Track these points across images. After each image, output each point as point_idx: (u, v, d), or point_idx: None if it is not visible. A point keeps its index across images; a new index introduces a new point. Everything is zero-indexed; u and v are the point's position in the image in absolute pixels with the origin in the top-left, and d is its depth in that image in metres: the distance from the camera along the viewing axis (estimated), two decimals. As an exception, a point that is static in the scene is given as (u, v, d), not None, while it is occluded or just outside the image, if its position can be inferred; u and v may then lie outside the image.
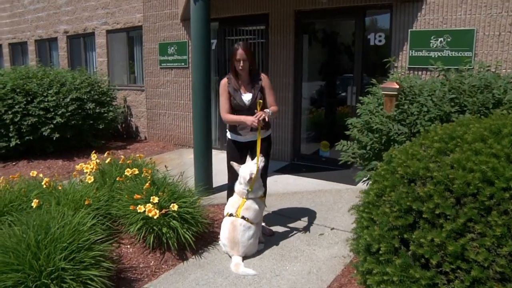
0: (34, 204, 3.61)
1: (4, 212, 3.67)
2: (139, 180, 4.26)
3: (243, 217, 3.75)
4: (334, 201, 5.21)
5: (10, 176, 4.26)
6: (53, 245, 3.06)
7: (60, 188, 4.11)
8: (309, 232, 4.36)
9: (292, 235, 4.26)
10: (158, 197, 3.73)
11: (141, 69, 9.43)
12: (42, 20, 12.03)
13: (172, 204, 3.71)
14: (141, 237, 3.85)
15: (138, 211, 3.68)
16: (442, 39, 5.27)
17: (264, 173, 4.07)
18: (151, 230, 3.83)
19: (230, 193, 4.10)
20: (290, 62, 6.72)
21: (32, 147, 7.83)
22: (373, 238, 2.38)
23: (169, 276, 3.61)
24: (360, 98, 4.27)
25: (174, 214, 3.76)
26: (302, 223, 4.59)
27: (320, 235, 4.28)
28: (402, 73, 5.11)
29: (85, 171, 4.55)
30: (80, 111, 7.83)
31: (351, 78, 6.35)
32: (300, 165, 6.89)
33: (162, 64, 8.56)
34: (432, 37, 5.33)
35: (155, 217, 3.60)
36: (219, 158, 6.08)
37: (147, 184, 3.90)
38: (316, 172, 6.43)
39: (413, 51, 5.48)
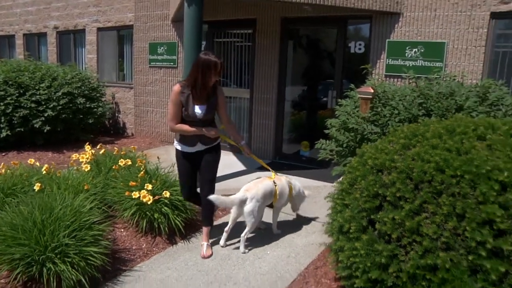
0: (36, 187, 3.89)
1: (8, 194, 3.95)
2: (133, 169, 4.58)
3: (274, 182, 4.20)
4: (313, 196, 5.58)
5: (12, 162, 4.52)
6: (57, 224, 3.36)
7: (58, 175, 4.41)
8: (289, 222, 4.72)
9: (273, 225, 4.62)
10: (152, 185, 4.06)
11: (130, 67, 9.70)
12: (32, 14, 12.17)
13: (164, 191, 4.04)
14: (135, 221, 4.17)
15: (133, 197, 4.00)
16: (416, 49, 5.72)
17: (210, 180, 4.04)
18: (144, 215, 4.14)
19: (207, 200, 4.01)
20: (275, 66, 7.10)
21: (22, 139, 8.03)
22: (345, 220, 2.76)
23: (160, 258, 3.93)
24: (339, 100, 4.67)
25: (166, 201, 4.08)
26: (282, 214, 4.93)
27: (299, 225, 4.66)
28: (379, 79, 5.55)
29: (80, 160, 4.85)
30: (71, 105, 8.07)
31: (332, 83, 6.77)
32: (281, 163, 7.27)
33: (152, 63, 8.85)
34: (407, 47, 5.78)
35: (148, 203, 3.93)
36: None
37: (142, 172, 4.22)
38: (297, 170, 6.81)
39: (390, 59, 5.92)
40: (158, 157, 4.99)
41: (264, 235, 4.40)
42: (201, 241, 4.09)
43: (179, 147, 4.01)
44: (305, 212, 5.02)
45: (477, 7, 5.39)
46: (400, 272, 2.35)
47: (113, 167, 4.61)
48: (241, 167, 6.89)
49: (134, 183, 4.14)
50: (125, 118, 9.84)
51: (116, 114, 10.00)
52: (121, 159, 4.76)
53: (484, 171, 2.21)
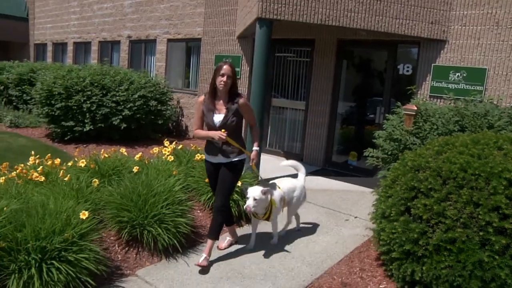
0: (135, 169, 4.87)
1: (112, 174, 4.95)
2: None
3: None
4: (358, 199, 6.33)
5: (112, 149, 5.55)
6: (157, 197, 4.29)
7: (147, 162, 5.38)
8: (337, 217, 5.49)
9: (323, 218, 5.40)
10: (226, 175, 4.93)
11: (195, 75, 10.76)
12: (108, 24, 13.56)
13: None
14: (210, 204, 5.05)
15: (210, 183, 4.88)
16: (459, 74, 6.37)
17: (222, 193, 4.06)
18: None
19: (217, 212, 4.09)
20: (329, 82, 7.91)
21: (100, 134, 9.18)
22: (387, 207, 3.53)
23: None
24: (387, 115, 5.42)
25: (237, 189, 4.95)
26: (331, 211, 5.72)
27: (346, 220, 5.42)
28: (423, 99, 6.24)
29: (164, 152, 5.81)
30: (144, 106, 9.17)
31: (380, 101, 7.49)
32: (330, 170, 8.02)
33: (216, 73, 9.83)
34: (451, 72, 6.44)
35: (224, 189, 4.80)
36: (263, 158, 7.27)
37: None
38: (344, 177, 7.56)
39: (435, 81, 6.59)
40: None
41: (316, 225, 5.18)
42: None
43: (205, 156, 4.25)
44: (351, 211, 5.76)
45: (518, 37, 6.00)
46: (427, 245, 3.10)
47: (194, 158, 5.53)
48: (294, 170, 7.68)
49: (211, 173, 5.03)
50: (187, 121, 10.88)
51: (180, 118, 11.06)
52: (197, 154, 5.69)
53: (496, 171, 2.94)
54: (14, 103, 12.70)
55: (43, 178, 4.59)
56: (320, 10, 6.14)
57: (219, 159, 4.06)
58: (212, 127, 3.99)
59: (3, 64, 13.70)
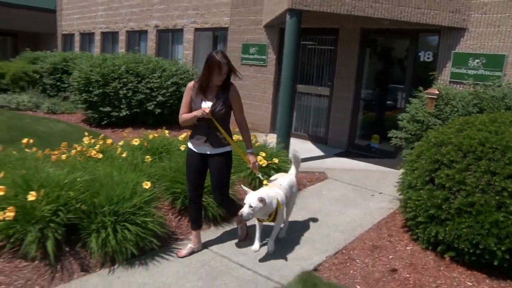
0: (182, 148, 5.42)
1: (162, 151, 5.52)
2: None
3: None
4: (381, 177, 6.81)
5: (158, 130, 6.11)
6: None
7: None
8: (363, 193, 5.99)
9: (351, 194, 5.90)
10: (265, 153, 5.46)
11: (221, 63, 11.22)
12: (135, 14, 14.09)
13: (274, 158, 5.43)
14: (250, 180, 5.58)
15: (250, 161, 5.41)
16: (478, 60, 6.76)
17: (218, 186, 4.04)
18: (254, 177, 5.54)
19: (190, 205, 4.15)
20: (353, 69, 8.34)
21: (135, 118, 9.75)
22: (413, 178, 4.03)
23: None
24: (410, 99, 5.87)
25: (274, 166, 5.47)
26: (357, 188, 6.21)
27: (372, 195, 5.91)
28: (444, 84, 6.65)
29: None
30: (177, 93, 9.70)
31: (402, 86, 7.91)
32: (354, 152, 8.48)
33: (243, 61, 10.33)
34: (470, 58, 6.83)
35: (263, 165, 5.32)
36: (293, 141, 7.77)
37: (257, 143, 5.63)
38: (367, 158, 8.02)
39: (455, 68, 6.99)
40: (266, 134, 6.42)
41: (344, 200, 5.69)
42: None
43: (188, 144, 4.04)
44: (375, 187, 6.24)
45: (536, 25, 6.35)
46: (450, 209, 3.59)
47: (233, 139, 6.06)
48: (319, 152, 8.21)
49: (250, 151, 5.55)
50: (214, 107, 11.38)
51: (207, 104, 11.56)
52: (234, 135, 6.20)
53: (511, 144, 3.41)
54: (48, 91, 13.34)
55: (101, 155, 5.17)
56: (346, 1, 6.57)
57: (205, 148, 3.91)
58: None
59: (37, 54, 14.39)
